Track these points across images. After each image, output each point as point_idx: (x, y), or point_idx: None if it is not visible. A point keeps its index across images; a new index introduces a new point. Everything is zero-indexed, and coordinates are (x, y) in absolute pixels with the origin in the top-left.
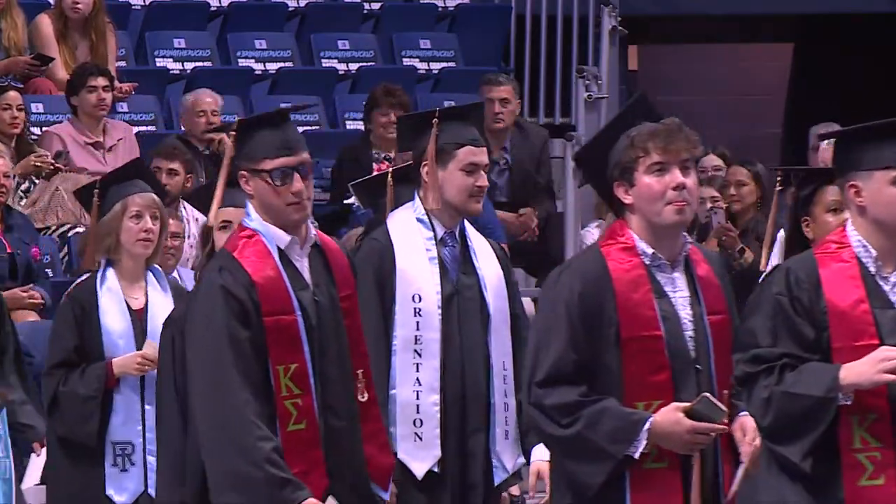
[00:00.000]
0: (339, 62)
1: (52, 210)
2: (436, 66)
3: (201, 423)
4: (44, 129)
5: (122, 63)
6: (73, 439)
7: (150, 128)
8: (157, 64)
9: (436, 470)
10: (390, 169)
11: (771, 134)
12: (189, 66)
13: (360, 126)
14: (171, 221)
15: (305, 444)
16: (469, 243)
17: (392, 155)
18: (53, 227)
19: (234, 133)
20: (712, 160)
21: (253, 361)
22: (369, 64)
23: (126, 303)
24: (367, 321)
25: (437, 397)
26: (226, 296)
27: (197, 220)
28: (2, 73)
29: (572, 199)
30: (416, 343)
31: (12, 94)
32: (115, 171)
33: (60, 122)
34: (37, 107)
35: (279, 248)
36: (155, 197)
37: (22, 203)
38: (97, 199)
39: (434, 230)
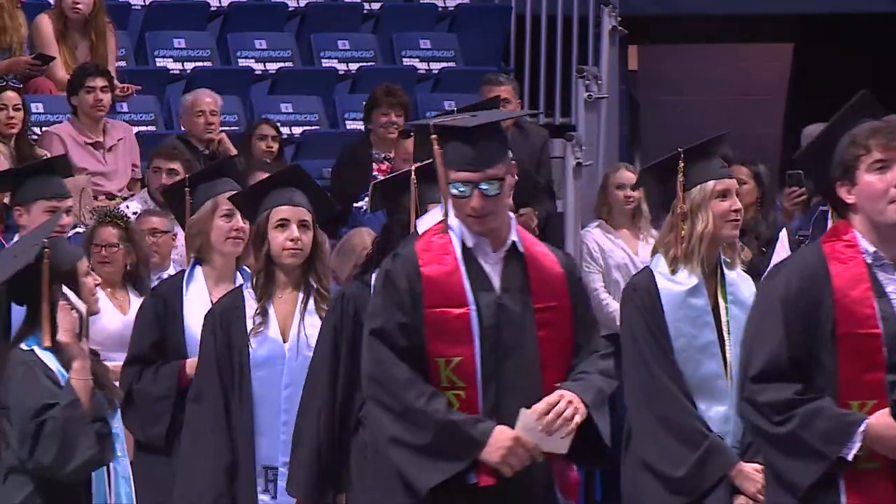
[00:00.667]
0: (339, 62)
1: None
2: (436, 66)
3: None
4: (44, 129)
5: (122, 63)
6: (143, 439)
7: (150, 128)
8: (157, 64)
9: None
10: (413, 167)
11: (771, 134)
12: (189, 66)
13: (360, 126)
14: (153, 219)
15: None
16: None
17: (392, 155)
18: None
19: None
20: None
21: (405, 346)
22: (369, 64)
23: (212, 302)
24: None
25: None
26: (385, 280)
27: None
28: (3, 73)
29: (572, 199)
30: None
31: (9, 93)
32: (204, 170)
33: (60, 122)
34: (37, 107)
35: (466, 248)
36: None
37: None
38: (189, 198)
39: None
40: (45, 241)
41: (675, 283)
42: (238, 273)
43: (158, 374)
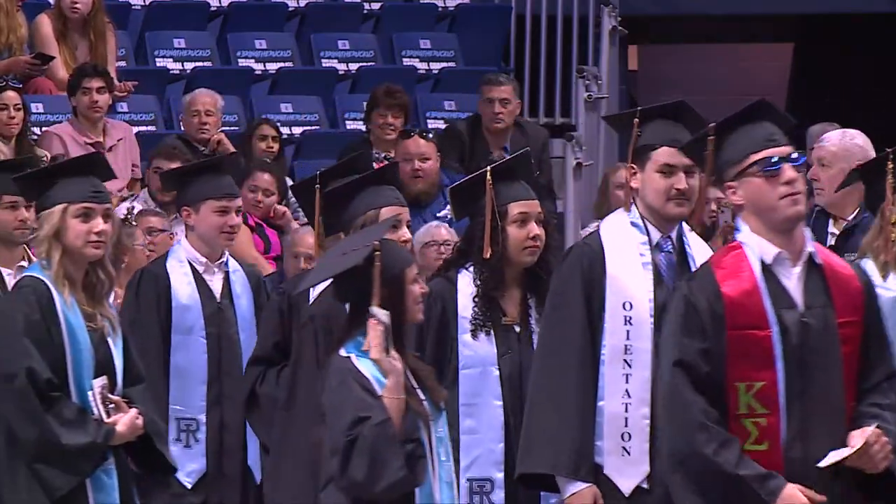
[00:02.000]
0: (339, 62)
1: None
2: (436, 66)
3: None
4: (44, 129)
5: (122, 63)
6: (267, 443)
7: (150, 128)
8: (157, 64)
9: (644, 486)
10: (488, 168)
11: None
12: (189, 66)
13: (361, 126)
14: (152, 218)
15: (764, 465)
16: (687, 249)
17: (392, 155)
18: None
19: (712, 138)
20: None
21: (705, 373)
22: (369, 64)
23: None
24: (571, 330)
25: (647, 410)
26: (686, 305)
27: None
28: (3, 73)
29: (572, 199)
30: (625, 353)
31: (9, 93)
32: (335, 167)
33: (60, 122)
34: (37, 107)
35: (764, 264)
36: None
37: None
38: (319, 198)
39: (648, 235)
40: (377, 243)
41: (885, 290)
42: None
43: (281, 380)
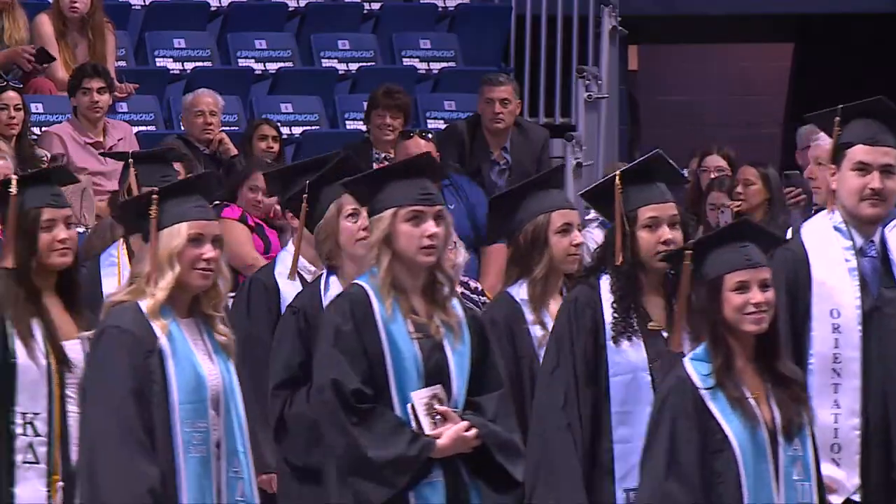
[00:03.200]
0: (339, 62)
1: None
2: (436, 66)
3: None
4: (43, 129)
5: (122, 63)
6: (303, 465)
7: (150, 128)
8: (157, 64)
9: (856, 499)
10: (618, 172)
11: (771, 134)
12: (189, 66)
13: (361, 126)
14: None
15: None
16: (890, 254)
17: (392, 155)
18: None
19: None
20: (716, 160)
21: None
22: (369, 64)
23: None
24: None
25: (857, 421)
26: None
27: None
28: (2, 64)
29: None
30: (834, 362)
31: (10, 93)
32: (324, 173)
33: (60, 122)
34: (36, 107)
35: None
36: None
37: None
38: (306, 205)
39: (853, 239)
40: None
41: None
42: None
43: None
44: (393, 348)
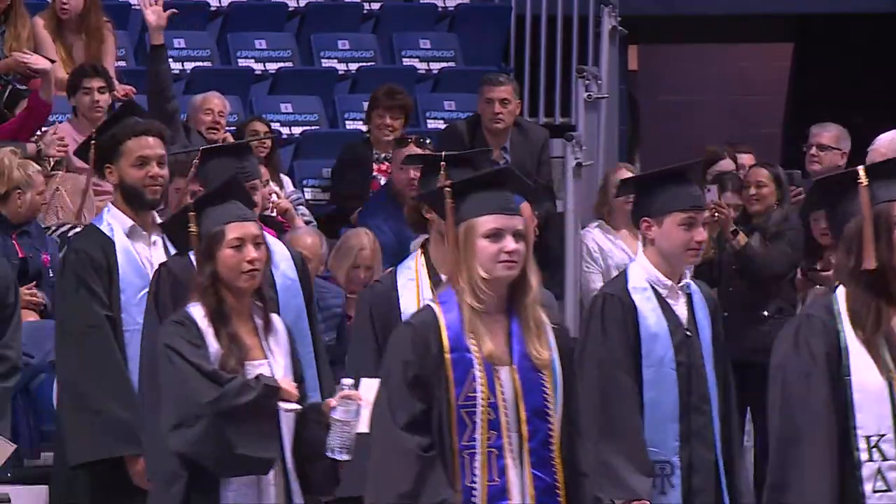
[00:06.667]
0: (339, 62)
1: (52, 210)
2: (436, 66)
3: None
4: (44, 129)
5: (122, 63)
6: None
7: None
8: None
9: None
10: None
11: (771, 134)
12: (189, 66)
13: (361, 126)
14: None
15: None
16: None
17: (392, 155)
18: (53, 228)
19: None
20: (729, 165)
21: None
22: (369, 64)
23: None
24: None
25: None
26: None
27: None
28: (4, 72)
29: (572, 199)
30: None
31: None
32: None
33: (60, 122)
34: None
35: None
36: None
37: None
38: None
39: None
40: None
41: None
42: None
43: None
44: None
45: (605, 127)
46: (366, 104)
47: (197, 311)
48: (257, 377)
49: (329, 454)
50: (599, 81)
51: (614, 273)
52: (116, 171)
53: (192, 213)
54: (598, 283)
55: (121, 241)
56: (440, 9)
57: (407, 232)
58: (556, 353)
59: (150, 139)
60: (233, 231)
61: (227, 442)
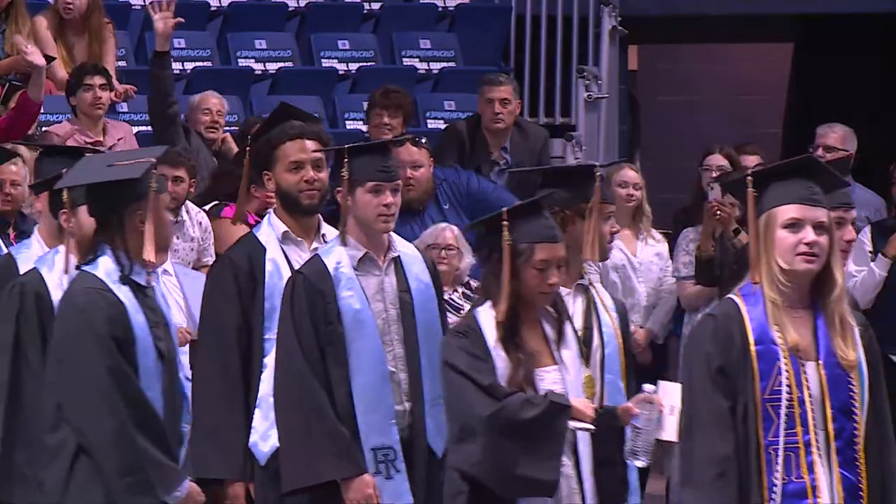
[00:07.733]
0: (339, 62)
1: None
2: (436, 66)
3: None
4: (44, 128)
5: (122, 63)
6: None
7: (149, 128)
8: None
9: None
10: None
11: (771, 134)
12: (189, 66)
13: (361, 126)
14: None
15: None
16: None
17: None
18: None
19: None
20: (718, 160)
21: None
22: (369, 64)
23: None
24: None
25: None
26: None
27: (200, 223)
28: (4, 72)
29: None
30: None
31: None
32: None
33: (60, 122)
34: None
35: None
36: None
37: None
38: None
39: None
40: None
41: None
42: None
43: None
44: None
45: (605, 127)
46: (366, 104)
47: (484, 316)
48: (545, 394)
49: (628, 459)
50: (599, 81)
51: (612, 274)
52: (273, 176)
53: (505, 223)
54: (596, 282)
55: (273, 248)
56: (440, 9)
57: (405, 227)
58: (863, 353)
59: (307, 142)
60: (541, 252)
61: (508, 461)
